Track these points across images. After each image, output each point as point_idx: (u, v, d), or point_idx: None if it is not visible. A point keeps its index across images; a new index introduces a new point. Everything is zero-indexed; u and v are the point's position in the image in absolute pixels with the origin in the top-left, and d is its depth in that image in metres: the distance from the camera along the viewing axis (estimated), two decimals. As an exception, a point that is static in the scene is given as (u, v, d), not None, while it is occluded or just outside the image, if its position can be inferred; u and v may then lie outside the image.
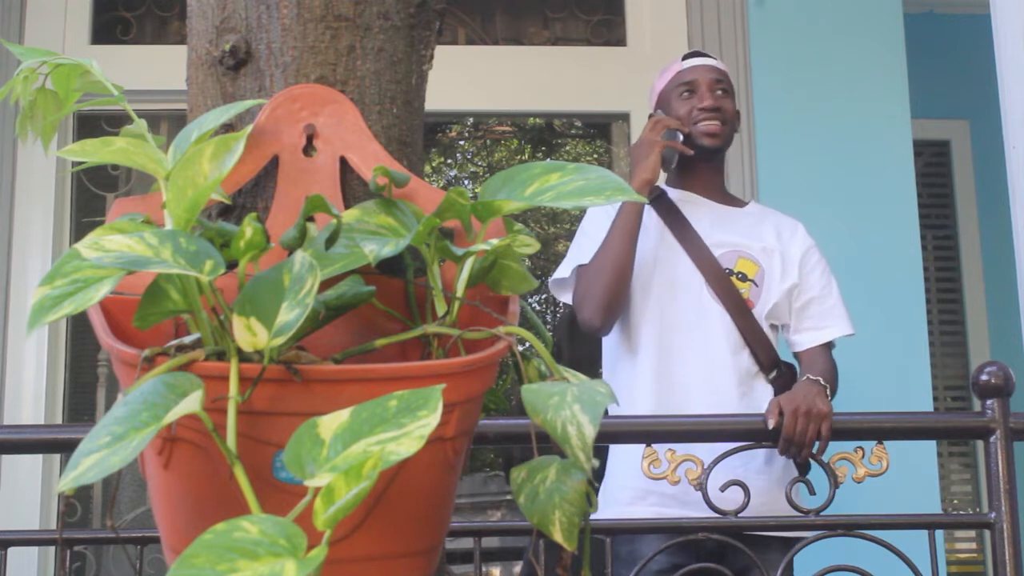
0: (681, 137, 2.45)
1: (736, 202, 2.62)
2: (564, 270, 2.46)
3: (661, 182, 2.52)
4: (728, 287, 2.41)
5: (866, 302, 3.33)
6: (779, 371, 2.41)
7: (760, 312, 2.43)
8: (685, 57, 2.58)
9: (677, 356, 2.39)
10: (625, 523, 2.17)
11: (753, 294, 2.43)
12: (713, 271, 2.41)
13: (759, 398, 2.37)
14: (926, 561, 1.93)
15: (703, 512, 2.15)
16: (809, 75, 3.52)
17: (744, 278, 2.43)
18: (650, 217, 2.45)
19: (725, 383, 2.37)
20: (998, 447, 1.93)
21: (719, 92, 2.51)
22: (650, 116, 2.56)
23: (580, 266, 2.43)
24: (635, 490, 2.30)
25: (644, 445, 2.02)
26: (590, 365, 2.67)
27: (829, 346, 2.47)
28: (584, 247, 2.44)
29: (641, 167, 2.39)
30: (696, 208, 2.50)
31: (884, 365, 3.27)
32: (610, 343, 2.49)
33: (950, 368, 4.72)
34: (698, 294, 2.41)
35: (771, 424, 2.07)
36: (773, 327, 2.46)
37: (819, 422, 2.08)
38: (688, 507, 2.20)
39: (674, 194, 2.51)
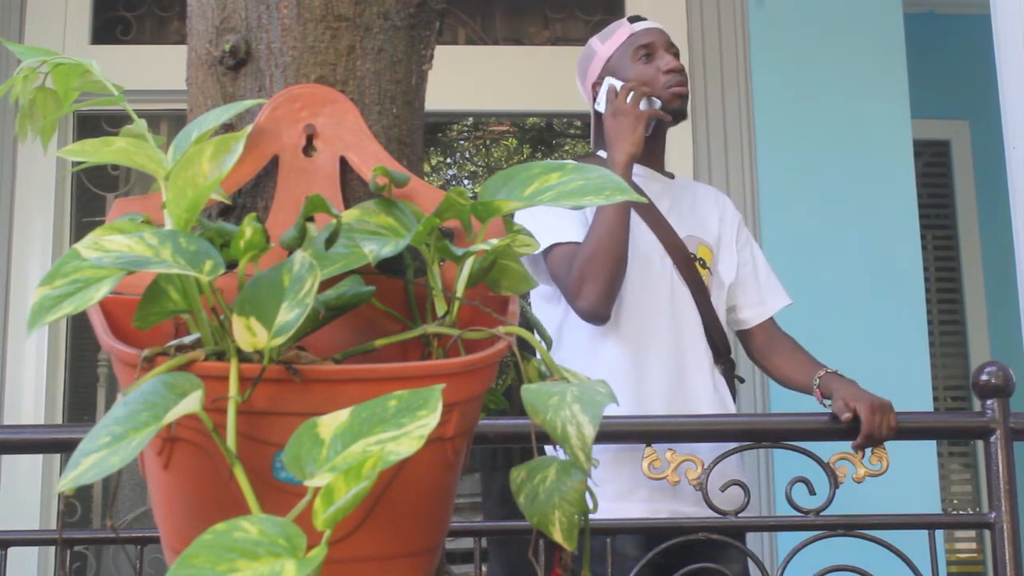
0: (659, 104, 2.36)
1: (670, 174, 2.55)
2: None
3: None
4: (693, 272, 2.38)
5: (866, 302, 3.33)
6: (725, 363, 2.41)
7: (715, 299, 2.41)
8: (632, 20, 2.49)
9: (653, 340, 2.34)
10: (625, 523, 2.17)
11: (710, 281, 2.42)
12: (681, 254, 2.38)
13: (721, 389, 2.37)
14: (926, 561, 1.93)
15: (689, 506, 2.16)
16: (809, 75, 3.52)
17: (704, 264, 2.41)
18: None
19: (698, 371, 2.34)
20: (998, 447, 1.93)
21: (674, 55, 2.44)
22: (594, 85, 2.46)
23: (558, 245, 2.31)
24: (623, 484, 2.26)
25: (644, 445, 2.02)
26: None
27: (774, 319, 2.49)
28: (554, 225, 2.32)
29: (628, 141, 2.28)
30: (650, 183, 2.43)
31: (884, 365, 3.26)
32: (571, 327, 2.38)
33: (950, 368, 4.72)
34: (669, 277, 2.37)
35: (846, 418, 2.08)
36: (729, 314, 2.47)
37: (889, 414, 2.08)
38: (673, 501, 2.21)
39: None
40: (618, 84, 2.38)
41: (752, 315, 2.46)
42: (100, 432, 0.74)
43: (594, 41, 2.52)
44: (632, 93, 2.33)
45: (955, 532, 4.62)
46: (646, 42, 2.43)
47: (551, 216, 2.34)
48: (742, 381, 2.46)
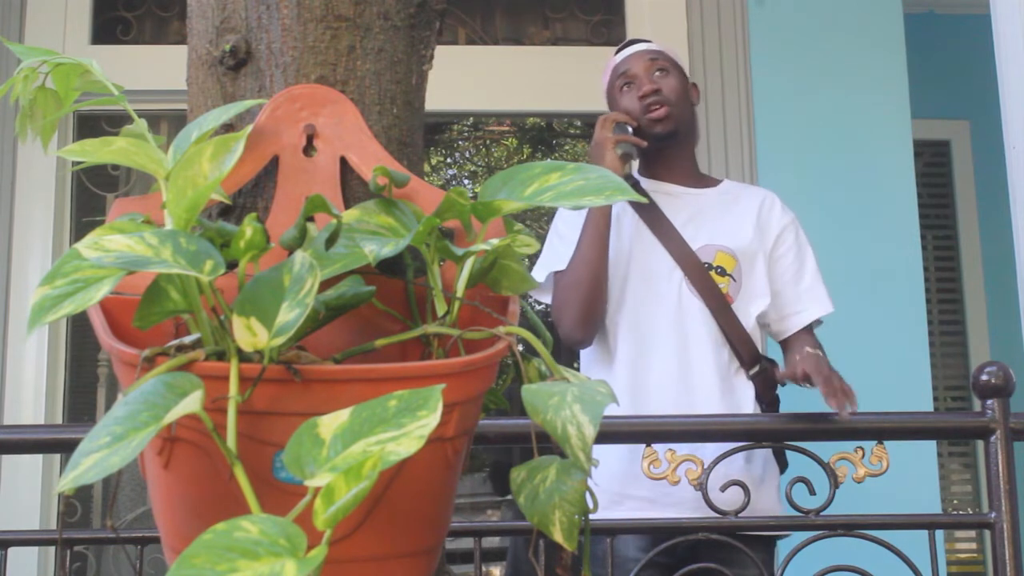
0: (631, 129, 2.39)
1: (709, 183, 2.55)
2: (539, 273, 2.40)
3: (633, 171, 2.48)
4: (707, 282, 2.36)
5: (866, 302, 3.33)
6: (761, 366, 2.38)
7: (740, 307, 2.39)
8: (619, 49, 2.53)
9: (656, 353, 2.34)
10: (625, 524, 2.17)
11: (732, 289, 2.39)
12: (692, 265, 2.37)
13: (740, 396, 2.35)
14: (926, 561, 1.93)
15: (680, 514, 2.16)
16: (809, 75, 3.52)
17: (723, 272, 2.38)
18: (624, 209, 2.41)
19: (706, 381, 2.33)
20: (998, 447, 1.93)
21: (657, 73, 2.45)
22: None
23: (558, 272, 2.38)
24: (610, 494, 2.25)
25: (644, 445, 2.02)
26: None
27: (812, 327, 2.44)
28: (558, 251, 2.39)
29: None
30: (670, 198, 2.44)
31: (884, 365, 3.27)
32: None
33: (950, 368, 4.72)
34: (677, 289, 2.36)
35: (786, 375, 2.13)
36: (759, 322, 2.43)
37: (840, 380, 2.08)
38: (666, 509, 2.20)
39: (647, 184, 2.46)
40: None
41: (783, 327, 2.43)
42: (100, 432, 0.74)
43: (601, 75, 2.58)
44: (604, 123, 2.39)
45: (955, 532, 4.62)
46: (624, 70, 2.48)
47: (558, 240, 2.42)
48: (784, 383, 2.44)
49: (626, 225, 2.40)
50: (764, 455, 2.34)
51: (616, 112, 2.42)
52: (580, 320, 2.33)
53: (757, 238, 2.43)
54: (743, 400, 2.35)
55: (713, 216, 2.45)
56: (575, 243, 2.36)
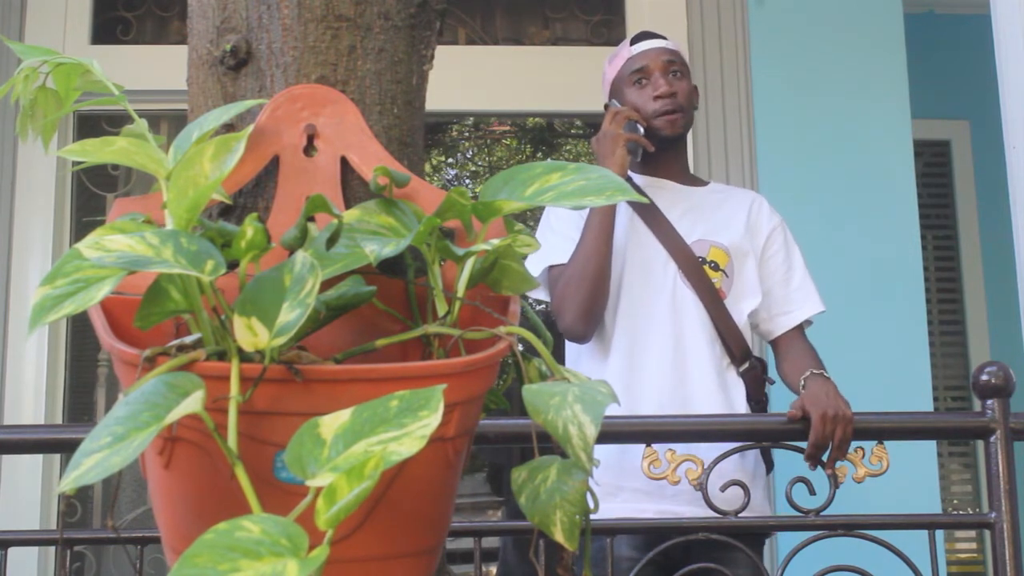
0: (642, 129, 2.39)
1: (699, 183, 2.57)
2: (532, 267, 2.36)
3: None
4: (701, 275, 2.37)
5: (866, 302, 3.33)
6: (750, 364, 2.39)
7: (731, 303, 2.39)
8: (634, 41, 2.51)
9: (651, 344, 2.34)
10: (626, 524, 2.17)
11: (724, 284, 2.39)
12: (686, 258, 2.37)
13: (732, 392, 2.35)
14: (926, 561, 1.93)
15: (675, 506, 2.16)
16: (809, 75, 3.52)
17: (716, 267, 2.39)
18: (619, 205, 2.40)
19: (701, 375, 2.33)
20: (998, 447, 1.93)
21: (672, 75, 2.45)
22: (605, 106, 2.50)
23: (553, 267, 2.38)
24: (605, 486, 2.24)
25: (644, 445, 2.02)
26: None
27: (802, 328, 2.44)
28: (552, 244, 2.37)
29: (609, 163, 2.32)
30: (664, 194, 2.45)
31: (884, 365, 3.27)
32: None
33: (950, 368, 4.72)
34: (672, 282, 2.37)
35: (791, 415, 2.06)
36: (750, 321, 2.43)
37: (845, 425, 2.04)
38: (663, 501, 2.20)
39: (640, 180, 2.47)
40: (617, 107, 2.44)
41: (773, 327, 2.43)
42: (101, 432, 0.74)
43: (605, 62, 2.56)
44: (615, 116, 2.38)
45: (955, 532, 4.62)
46: (640, 66, 2.45)
47: (551, 234, 2.40)
48: (772, 383, 2.44)
49: (621, 219, 2.40)
50: (754, 453, 2.35)
51: (628, 109, 2.40)
52: (584, 314, 2.32)
53: (747, 238, 2.44)
54: (736, 395, 2.36)
55: (706, 212, 2.46)
56: (569, 238, 2.36)
